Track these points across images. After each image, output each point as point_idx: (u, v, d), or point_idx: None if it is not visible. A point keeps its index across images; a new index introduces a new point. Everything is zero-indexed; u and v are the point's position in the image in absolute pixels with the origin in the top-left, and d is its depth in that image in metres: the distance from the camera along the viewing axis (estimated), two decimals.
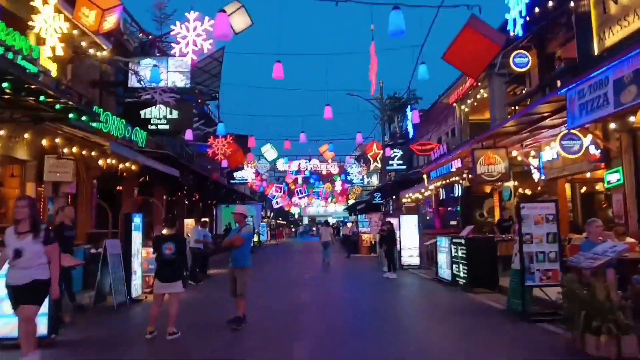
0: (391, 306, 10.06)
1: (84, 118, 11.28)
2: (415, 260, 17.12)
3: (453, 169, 14.47)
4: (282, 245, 42.14)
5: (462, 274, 11.29)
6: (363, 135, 23.42)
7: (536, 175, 14.62)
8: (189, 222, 16.81)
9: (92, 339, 7.07)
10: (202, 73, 31.73)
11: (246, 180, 32.09)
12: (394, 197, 27.90)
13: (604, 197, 14.95)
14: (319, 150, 21.02)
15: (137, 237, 10.70)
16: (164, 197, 22.35)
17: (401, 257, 17.12)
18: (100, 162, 12.89)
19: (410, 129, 19.94)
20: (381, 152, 22.49)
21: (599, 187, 15.24)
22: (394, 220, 19.46)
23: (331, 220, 68.98)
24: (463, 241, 11.21)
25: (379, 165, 22.61)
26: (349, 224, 35.45)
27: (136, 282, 10.54)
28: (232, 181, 35.46)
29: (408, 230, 17.04)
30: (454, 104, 24.02)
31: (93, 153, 12.24)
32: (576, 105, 7.90)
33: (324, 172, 37.25)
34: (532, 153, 14.52)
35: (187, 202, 26.27)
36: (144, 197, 19.61)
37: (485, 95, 20.72)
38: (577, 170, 13.06)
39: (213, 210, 35.92)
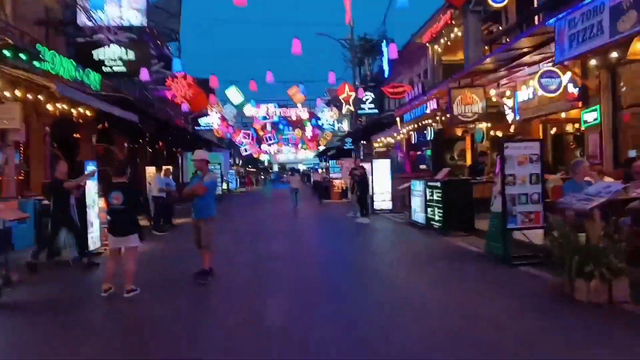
0: (367, 253, 9.70)
1: (22, 56, 10.10)
2: (388, 205, 16.86)
3: (428, 111, 13.93)
4: (252, 193, 41.56)
5: (437, 218, 10.99)
6: (336, 76, 22.53)
7: (510, 116, 14.24)
8: (151, 171, 15.88)
9: (41, 298, 6.41)
10: (160, 12, 29.69)
11: (211, 126, 30.87)
12: (365, 142, 27.39)
13: (572, 138, 14.81)
14: (288, 93, 19.93)
15: (91, 186, 9.86)
16: (125, 144, 21.21)
17: (374, 202, 16.81)
18: (50, 106, 11.78)
19: (385, 67, 19.11)
20: (354, 94, 21.63)
21: (569, 128, 15.05)
22: (366, 165, 19.05)
23: (302, 167, 68.59)
24: (439, 184, 10.83)
25: (352, 108, 21.83)
26: (320, 171, 34.92)
27: (93, 234, 9.80)
28: (197, 127, 34.17)
29: (380, 175, 16.63)
30: (427, 44, 23.27)
31: (40, 97, 11.11)
32: (566, 37, 7.31)
33: (294, 118, 36.11)
34: (507, 93, 14.07)
35: (150, 150, 25.13)
36: (103, 145, 18.49)
37: (460, 34, 20.01)
38: (553, 110, 12.71)
39: (178, 158, 34.78)
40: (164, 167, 15.14)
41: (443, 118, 17.27)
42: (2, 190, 12.13)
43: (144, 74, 15.31)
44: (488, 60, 11.03)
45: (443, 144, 21.10)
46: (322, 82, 29.19)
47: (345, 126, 38.36)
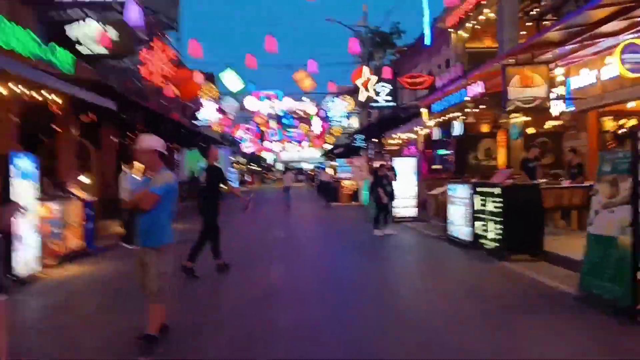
0: (400, 287, 6.97)
1: None
2: (411, 212, 14.11)
3: (468, 97, 11.14)
4: (255, 194, 38.80)
5: (490, 235, 8.24)
6: (343, 70, 19.80)
7: (558, 108, 11.54)
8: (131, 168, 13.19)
9: None
10: None
11: (207, 122, 28.11)
12: (377, 139, 24.66)
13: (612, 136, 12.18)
14: (294, 78, 17.13)
15: (25, 187, 7.19)
16: (113, 139, 18.56)
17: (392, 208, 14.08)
18: (3, 90, 9.21)
19: (427, 31, 16.42)
20: (375, 77, 18.63)
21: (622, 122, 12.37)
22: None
23: (307, 166, 65.79)
24: (497, 190, 8.07)
25: (372, 93, 18.99)
26: (328, 170, 32.12)
27: (25, 253, 7.12)
28: (194, 122, 31.48)
29: (403, 176, 13.90)
30: (450, 30, 20.55)
31: None
32: None
33: (299, 112, 33.04)
34: (558, 79, 11.36)
35: None
36: (83, 139, 15.78)
37: (492, 15, 17.32)
38: (626, 98, 10.02)
39: (174, 155, 32.09)
40: (135, 162, 12.41)
41: (475, 110, 14.64)
42: None
43: (133, 15, 11.72)
44: (559, 26, 8.27)
45: (467, 142, 18.40)
46: (329, 74, 26.30)
47: (354, 122, 35.57)
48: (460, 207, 9.46)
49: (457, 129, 16.90)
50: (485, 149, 18.53)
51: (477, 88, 10.61)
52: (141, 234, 4.08)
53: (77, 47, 15.49)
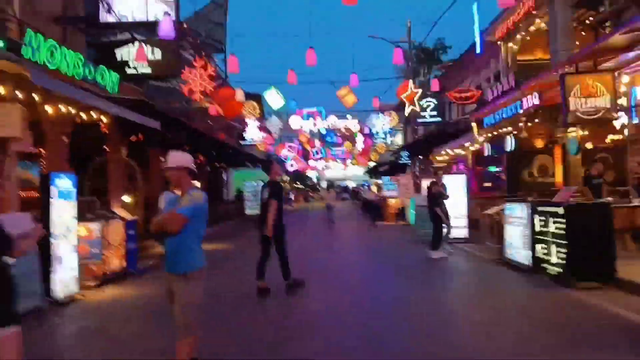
0: (456, 318, 6.36)
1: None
2: (462, 233, 13.34)
3: (522, 110, 10.43)
4: (299, 213, 38.55)
5: (553, 259, 7.49)
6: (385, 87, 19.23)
7: (621, 120, 10.65)
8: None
9: None
10: (204, 21, 27.62)
11: (252, 141, 28.21)
12: (423, 156, 23.90)
13: None
14: (338, 95, 16.80)
15: (64, 208, 7.11)
16: (160, 159, 18.83)
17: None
18: (50, 109, 9.40)
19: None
20: (419, 91, 18.05)
21: None
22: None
23: (351, 184, 65.21)
24: (560, 210, 7.34)
25: (417, 108, 18.40)
26: (372, 188, 31.44)
27: (63, 275, 7.00)
28: (241, 142, 31.74)
29: (453, 194, 13.20)
30: (499, 43, 19.81)
31: (35, 96, 8.69)
32: None
33: (342, 129, 32.62)
34: (622, 89, 10.47)
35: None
36: (130, 159, 15.97)
37: (543, 25, 16.56)
38: None
39: (223, 175, 32.40)
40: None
41: (529, 124, 13.83)
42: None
43: (165, 26, 11.74)
44: (624, 31, 7.54)
45: (520, 158, 17.44)
46: (372, 90, 25.85)
47: (398, 140, 34.92)
48: (518, 227, 8.73)
49: (510, 144, 16.05)
50: (540, 165, 17.53)
51: (532, 100, 9.90)
52: (168, 258, 3.74)
53: (126, 69, 15.86)
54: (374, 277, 9.20)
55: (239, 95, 15.28)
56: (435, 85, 16.84)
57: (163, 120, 14.47)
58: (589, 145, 13.38)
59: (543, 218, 7.75)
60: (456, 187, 13.31)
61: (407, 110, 18.44)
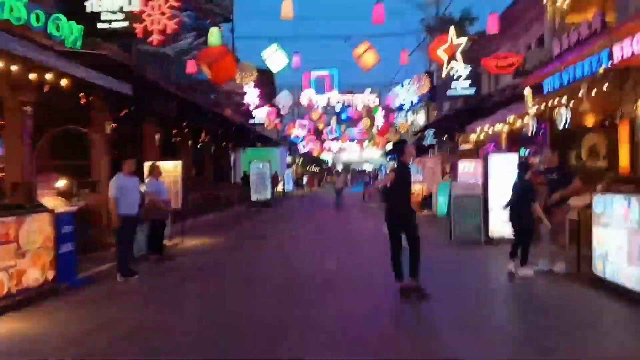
0: None
1: None
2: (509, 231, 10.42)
3: (616, 59, 7.35)
4: (309, 197, 35.76)
5: None
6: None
7: None
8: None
9: None
10: None
11: (259, 121, 25.41)
12: (450, 136, 20.91)
13: None
14: (354, 55, 13.67)
15: None
16: (157, 136, 16.21)
17: (487, 223, 10.52)
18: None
19: None
20: (463, 42, 14.37)
21: None
22: (466, 164, 12.91)
23: (368, 167, 62.06)
24: None
25: (461, 63, 15.07)
26: (390, 172, 28.18)
27: None
28: (250, 121, 29.07)
29: (502, 178, 10.30)
30: (545, 1, 16.60)
31: None
32: None
33: (359, 106, 29.25)
34: None
35: (190, 144, 20.16)
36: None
37: None
38: None
39: (231, 155, 29.81)
40: (151, 163, 9.63)
41: (595, 91, 10.82)
42: None
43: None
44: None
45: (566, 138, 14.37)
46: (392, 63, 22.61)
47: (420, 119, 31.68)
48: (619, 232, 5.84)
49: (564, 118, 13.03)
50: (590, 146, 14.45)
51: (632, 47, 6.86)
52: None
53: (97, 24, 13.14)
54: (417, 327, 5.53)
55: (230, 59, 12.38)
56: (493, 24, 12.99)
57: (143, 86, 11.80)
58: None
59: None
60: (504, 172, 10.35)
61: (445, 70, 15.28)
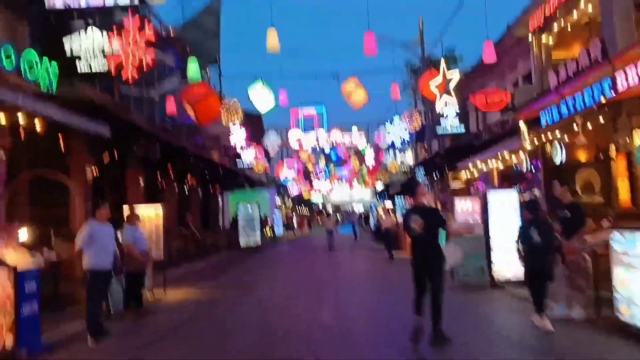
0: None
1: None
2: (517, 271, 9.73)
3: (619, 90, 7.00)
4: (300, 240, 34.77)
5: None
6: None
7: None
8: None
9: None
10: (197, 30, 24.82)
11: (247, 164, 24.90)
12: (439, 175, 20.55)
13: None
14: (343, 92, 13.28)
15: None
16: (140, 180, 15.54)
17: (491, 265, 9.88)
18: None
19: None
20: (455, 76, 13.99)
21: None
22: (463, 204, 12.45)
23: (358, 208, 61.31)
24: None
25: (454, 98, 14.77)
26: (380, 211, 27.57)
27: None
28: (238, 162, 28.55)
29: (502, 216, 9.76)
30: (530, 39, 16.64)
31: None
32: None
33: (346, 144, 28.67)
34: None
35: (176, 187, 19.50)
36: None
37: (590, 9, 13.37)
38: None
39: (218, 199, 29.08)
40: (130, 211, 8.95)
41: (589, 124, 10.54)
42: None
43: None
44: None
45: (559, 173, 14.04)
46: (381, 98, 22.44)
47: (408, 158, 31.43)
48: None
49: (560, 152, 12.74)
50: (584, 180, 14.13)
51: (635, 76, 6.51)
52: None
53: (78, 65, 12.72)
54: None
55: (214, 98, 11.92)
56: (489, 53, 12.42)
57: (123, 129, 11.27)
58: None
59: None
60: (506, 209, 9.84)
61: (439, 104, 14.97)
